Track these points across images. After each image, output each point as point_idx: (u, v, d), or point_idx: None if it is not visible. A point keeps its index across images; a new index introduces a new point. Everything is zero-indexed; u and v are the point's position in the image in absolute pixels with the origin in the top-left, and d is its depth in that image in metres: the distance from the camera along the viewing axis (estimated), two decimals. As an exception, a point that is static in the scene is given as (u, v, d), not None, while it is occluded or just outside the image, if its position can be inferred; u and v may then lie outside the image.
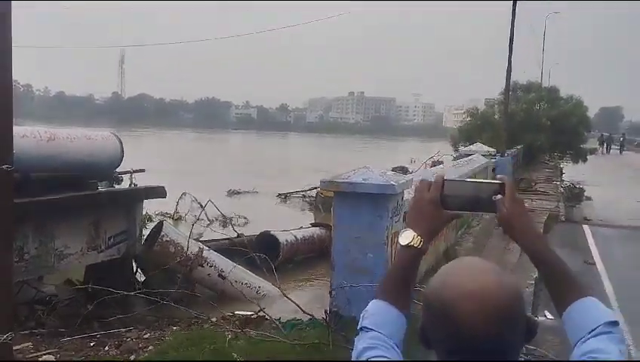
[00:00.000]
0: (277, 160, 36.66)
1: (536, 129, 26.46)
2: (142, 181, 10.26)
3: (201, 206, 14.36)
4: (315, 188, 16.42)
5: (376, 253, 5.04)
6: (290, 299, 4.96)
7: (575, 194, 18.25)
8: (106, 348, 5.39)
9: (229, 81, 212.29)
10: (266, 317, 5.50)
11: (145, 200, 9.90)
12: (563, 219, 13.77)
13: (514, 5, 17.23)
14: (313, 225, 13.04)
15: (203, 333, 4.86)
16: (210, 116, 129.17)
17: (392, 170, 21.39)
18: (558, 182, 21.01)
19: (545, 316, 6.66)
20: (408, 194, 6.00)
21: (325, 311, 4.28)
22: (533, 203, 15.27)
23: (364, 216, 5.05)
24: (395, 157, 35.57)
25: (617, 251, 10.86)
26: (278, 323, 5.25)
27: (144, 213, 10.56)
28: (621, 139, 54.38)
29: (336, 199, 5.16)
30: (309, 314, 4.47)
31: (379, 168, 5.31)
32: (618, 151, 50.35)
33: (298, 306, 4.46)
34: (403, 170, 20.42)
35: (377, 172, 5.10)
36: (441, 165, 12.06)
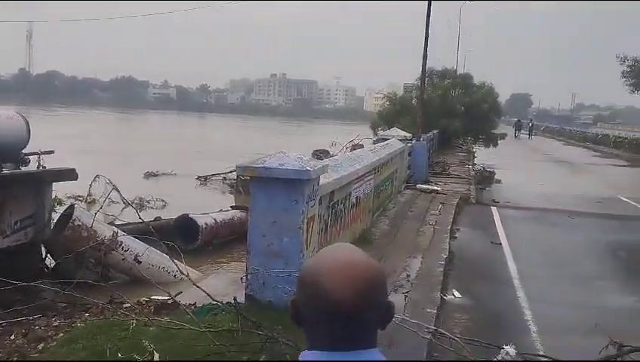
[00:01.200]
0: (197, 141, 35.97)
1: (451, 114, 27.42)
2: (52, 163, 9.81)
3: (116, 188, 13.93)
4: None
5: (291, 238, 5.10)
6: (197, 286, 4.94)
7: (486, 178, 19.12)
8: (12, 336, 5.18)
9: (147, 60, 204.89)
10: (181, 302, 5.46)
11: (55, 183, 9.52)
12: (474, 201, 14.40)
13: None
14: (233, 207, 12.97)
15: (114, 320, 4.77)
16: (126, 95, 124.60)
17: (314, 153, 21.64)
18: (470, 166, 21.90)
19: (453, 295, 6.99)
20: (324, 179, 6.10)
21: (234, 297, 4.31)
22: (447, 186, 15.90)
23: (279, 200, 5.09)
24: (317, 140, 35.80)
25: (521, 231, 11.52)
26: (193, 308, 5.22)
27: (54, 196, 10.15)
28: (530, 124, 57.52)
29: (253, 184, 5.17)
30: (217, 301, 4.48)
31: (295, 153, 5.35)
32: (527, 136, 53.12)
33: (206, 293, 4.46)
34: (325, 153, 20.64)
35: (293, 157, 5.14)
36: (365, 148, 12.27)
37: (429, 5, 17.64)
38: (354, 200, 8.21)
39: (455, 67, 37.08)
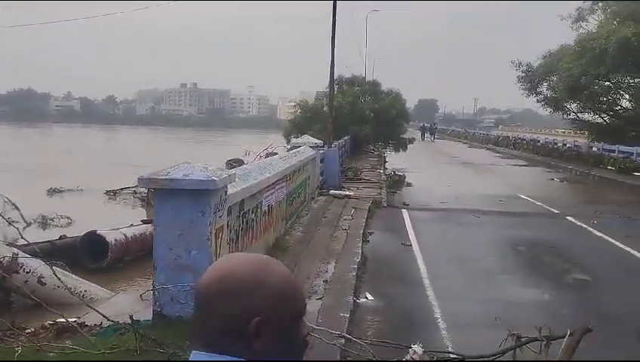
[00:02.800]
0: (104, 155, 34.58)
1: (361, 121, 28.03)
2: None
3: (16, 206, 13.16)
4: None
5: (200, 250, 5.00)
6: (92, 308, 4.72)
7: (396, 181, 19.62)
8: None
9: (47, 73, 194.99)
10: (86, 323, 5.20)
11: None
12: (385, 204, 14.73)
13: (334, 5, 18.02)
14: (145, 221, 12.54)
15: (13, 347, 4.46)
16: (26, 109, 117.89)
17: (228, 163, 21.23)
18: (381, 171, 22.44)
19: (366, 298, 7.10)
20: (232, 188, 6.03)
21: (130, 316, 4.15)
22: (359, 191, 16.19)
23: (186, 212, 4.98)
24: (231, 149, 35.43)
25: (430, 232, 11.91)
26: (99, 328, 4.99)
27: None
28: (433, 128, 61.57)
29: (157, 196, 5.03)
30: (113, 321, 4.30)
31: (201, 163, 5.25)
32: (431, 139, 56.36)
33: (101, 314, 4.27)
34: (239, 163, 20.47)
35: (199, 167, 5.04)
36: (275, 156, 12.25)
37: (334, 14, 17.95)
38: (266, 208, 8.17)
39: (364, 74, 37.98)
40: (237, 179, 6.35)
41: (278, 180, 8.90)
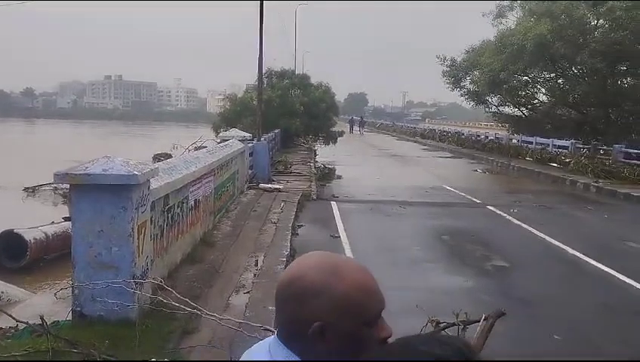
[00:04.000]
0: (22, 150, 32.94)
1: (292, 114, 28.05)
2: None
3: None
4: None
5: (121, 247, 4.86)
6: (1, 310, 4.52)
7: (326, 174, 19.81)
8: None
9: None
10: (0, 327, 4.97)
11: None
12: (315, 197, 14.84)
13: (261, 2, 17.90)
14: (66, 219, 12.06)
15: None
16: None
17: (155, 157, 20.72)
18: (312, 164, 22.57)
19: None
20: (156, 183, 5.90)
21: (41, 316, 4.00)
22: (289, 184, 16.23)
23: (106, 208, 4.83)
24: (159, 143, 34.56)
25: (358, 223, 12.11)
26: (13, 331, 4.78)
27: None
28: (361, 120, 63.12)
29: (74, 192, 4.85)
30: (22, 321, 4.14)
31: (122, 157, 5.10)
32: (359, 132, 57.55)
33: (11, 317, 4.09)
34: (166, 157, 20.00)
35: (119, 161, 4.90)
36: (203, 150, 12.04)
37: (262, 6, 17.82)
38: (192, 203, 8.05)
39: (293, 68, 38.01)
40: (161, 174, 6.22)
41: (205, 174, 8.78)
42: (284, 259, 8.09)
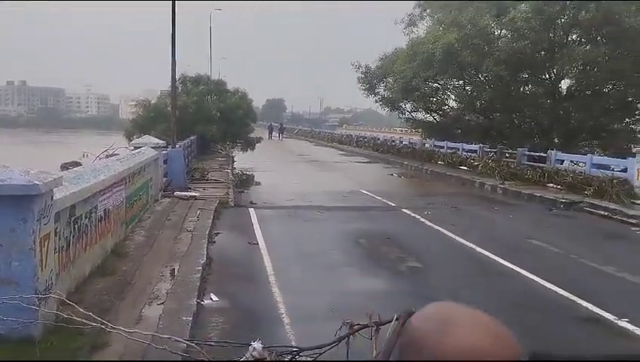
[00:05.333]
0: None
1: (208, 120, 27.63)
2: None
3: None
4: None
5: (22, 261, 4.59)
6: None
7: (244, 181, 19.65)
8: None
9: None
10: None
11: None
12: (232, 204, 14.67)
13: (173, 4, 17.53)
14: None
15: None
16: None
17: (63, 166, 19.81)
18: (229, 170, 22.31)
19: (211, 299, 7.02)
20: (61, 193, 5.62)
21: None
22: (206, 191, 15.95)
23: (4, 220, 4.54)
24: (67, 151, 32.99)
25: (277, 229, 12.08)
26: None
27: None
28: (279, 127, 63.36)
29: (-31, 204, 4.53)
30: None
31: (21, 166, 4.82)
32: (278, 138, 57.82)
33: None
34: (76, 166, 19.10)
35: (18, 171, 4.63)
36: (113, 158, 11.58)
37: (174, 10, 17.45)
38: (102, 213, 7.74)
39: (209, 74, 37.46)
40: (66, 183, 5.94)
41: (115, 183, 8.46)
42: (200, 268, 7.93)
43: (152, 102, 29.73)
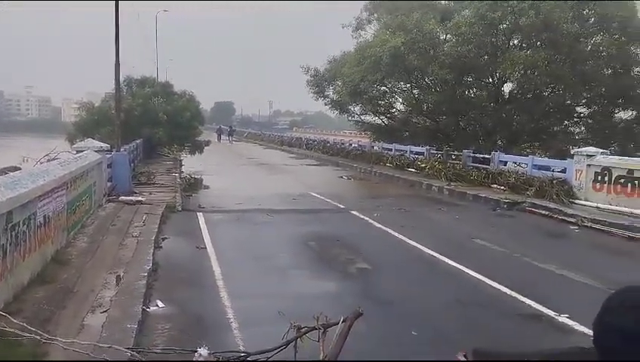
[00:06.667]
0: None
1: (154, 123, 27.12)
2: None
3: None
4: None
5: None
6: None
7: (192, 185, 19.36)
8: None
9: None
10: None
11: None
12: (180, 208, 14.41)
13: (116, 4, 17.13)
14: None
15: None
16: None
17: (1, 171, 18.99)
18: (177, 174, 21.93)
19: (157, 305, 6.88)
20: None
21: None
22: (152, 195, 15.63)
23: None
24: (5, 156, 31.69)
25: (225, 233, 11.95)
26: None
27: None
28: (229, 130, 62.97)
29: None
30: None
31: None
32: (228, 141, 57.46)
33: None
34: (15, 170, 18.39)
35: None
36: (54, 162, 11.17)
37: (117, 10, 17.05)
38: (41, 219, 7.46)
39: (156, 76, 36.78)
40: (2, 188, 5.70)
41: (55, 188, 8.18)
42: (146, 274, 7.76)
43: (96, 104, 28.94)
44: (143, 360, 3.64)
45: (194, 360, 3.89)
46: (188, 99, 31.10)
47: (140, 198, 14.68)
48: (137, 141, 24.90)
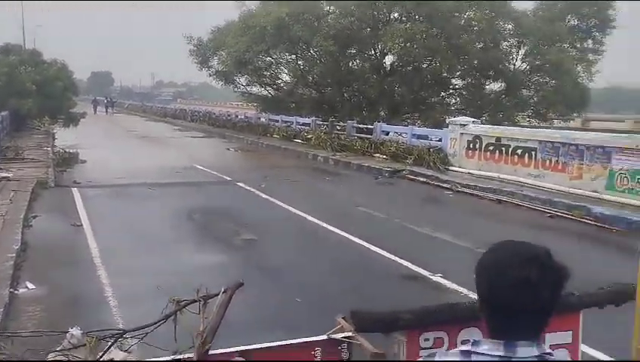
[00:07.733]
0: None
1: (22, 94, 25.10)
2: None
3: None
4: None
5: None
6: None
7: (66, 159, 18.21)
8: None
9: None
10: None
11: None
12: (52, 184, 13.53)
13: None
14: None
15: None
16: None
17: None
18: (49, 148, 20.53)
19: (27, 287, 6.45)
20: None
21: None
22: (21, 171, 14.54)
23: None
24: None
25: (103, 209, 11.39)
26: None
27: None
28: (106, 101, 60.37)
29: None
30: None
31: None
32: (105, 112, 55.15)
33: None
34: None
35: None
36: None
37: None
38: None
39: (22, 43, 33.90)
40: None
41: None
42: (14, 255, 7.22)
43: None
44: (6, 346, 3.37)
45: (65, 341, 3.67)
46: (59, 68, 29.01)
47: (6, 175, 13.60)
48: (3, 113, 22.94)
